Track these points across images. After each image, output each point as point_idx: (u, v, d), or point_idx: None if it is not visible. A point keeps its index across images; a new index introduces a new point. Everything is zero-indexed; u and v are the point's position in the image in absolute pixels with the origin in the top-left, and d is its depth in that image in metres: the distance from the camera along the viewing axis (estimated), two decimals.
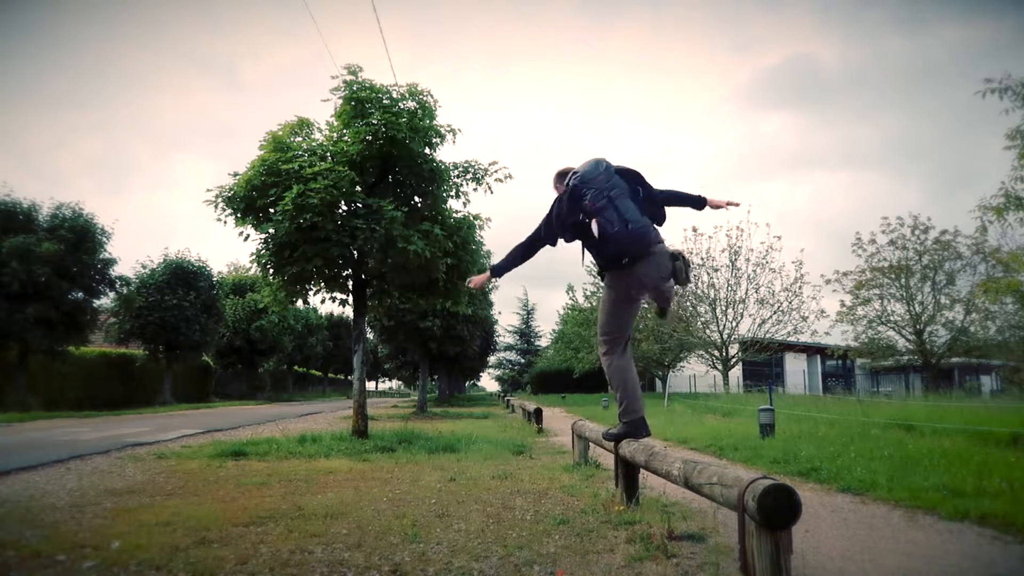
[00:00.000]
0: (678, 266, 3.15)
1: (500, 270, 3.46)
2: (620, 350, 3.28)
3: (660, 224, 3.28)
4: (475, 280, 3.57)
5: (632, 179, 3.19)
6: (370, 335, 19.60)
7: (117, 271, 18.08)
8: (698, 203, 3.34)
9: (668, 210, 3.35)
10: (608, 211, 3.01)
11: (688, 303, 22.04)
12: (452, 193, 7.95)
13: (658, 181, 3.39)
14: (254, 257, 7.49)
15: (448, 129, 7.80)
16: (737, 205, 3.40)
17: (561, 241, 3.35)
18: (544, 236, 3.35)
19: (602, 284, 3.34)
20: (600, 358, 3.39)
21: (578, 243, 3.34)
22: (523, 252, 3.41)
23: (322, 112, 15.38)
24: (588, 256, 3.31)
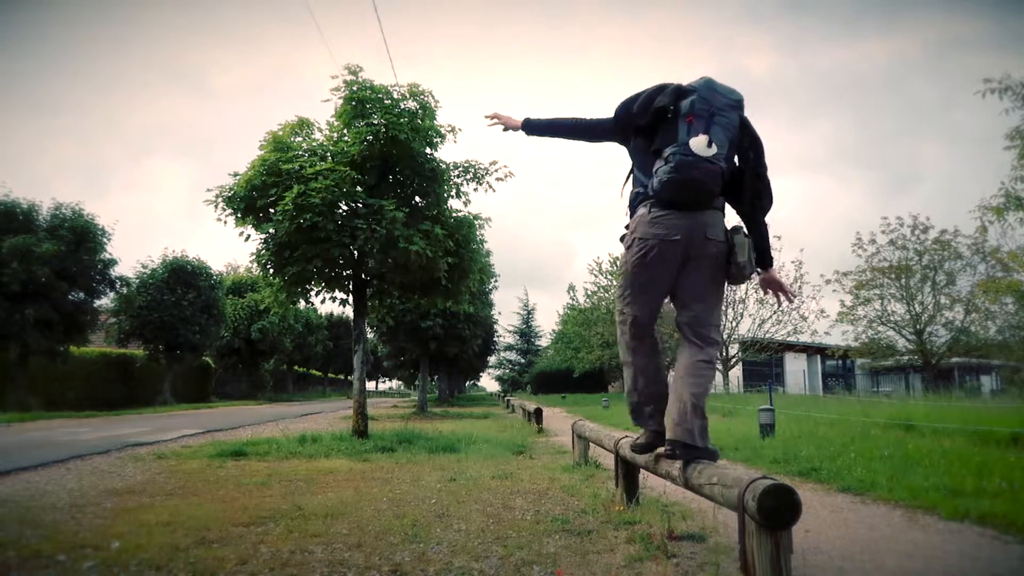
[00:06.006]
0: (739, 240, 2.44)
1: (537, 126, 2.91)
2: (640, 339, 2.60)
3: (743, 209, 2.58)
4: (500, 117, 3.01)
5: (750, 140, 2.53)
6: (370, 335, 19.60)
7: (117, 271, 18.12)
8: (762, 259, 2.57)
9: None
10: (699, 122, 2.40)
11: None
12: (453, 193, 7.96)
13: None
14: (254, 257, 7.50)
15: (449, 129, 7.81)
16: (792, 301, 2.84)
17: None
18: (609, 126, 2.74)
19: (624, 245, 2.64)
20: (619, 348, 2.73)
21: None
22: (572, 126, 2.84)
23: (285, 115, 15.39)
24: (628, 187, 2.72)
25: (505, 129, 3.01)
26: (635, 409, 2.69)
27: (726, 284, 2.59)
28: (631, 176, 2.73)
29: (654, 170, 2.44)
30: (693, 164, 2.34)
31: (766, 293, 2.72)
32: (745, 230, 2.50)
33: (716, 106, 2.45)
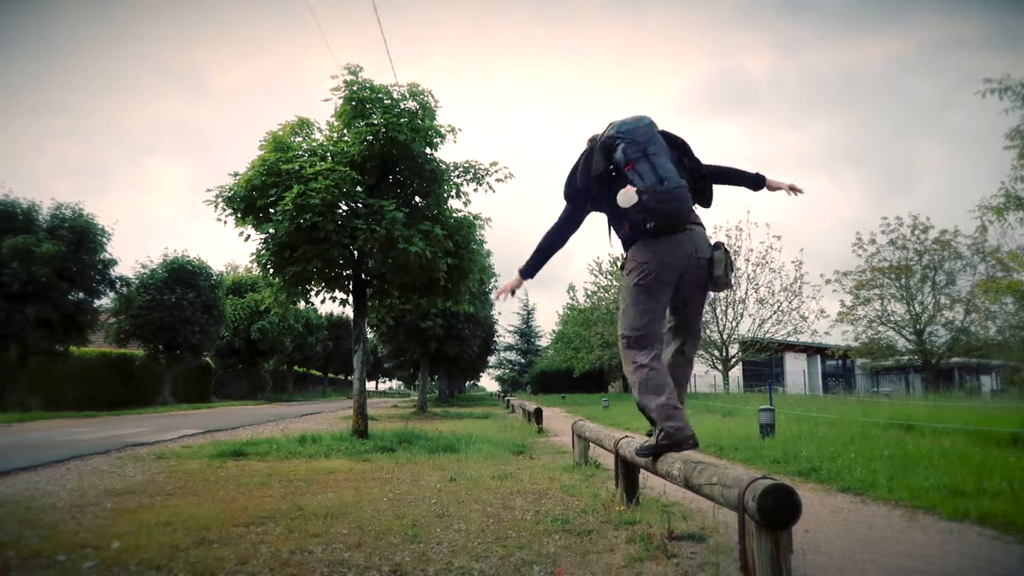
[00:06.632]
0: (718, 256, 2.70)
1: (530, 270, 2.97)
2: (649, 354, 2.65)
3: (705, 205, 2.87)
4: (504, 288, 3.04)
5: (678, 147, 2.79)
6: (370, 335, 19.59)
7: (117, 271, 18.11)
8: (756, 182, 2.93)
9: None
10: (641, 163, 2.62)
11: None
12: (453, 193, 7.95)
13: None
14: (254, 257, 7.50)
15: (449, 129, 7.80)
16: (801, 192, 2.97)
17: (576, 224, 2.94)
18: (572, 211, 2.90)
19: (622, 272, 2.84)
20: (623, 364, 2.79)
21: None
22: (552, 241, 2.94)
23: (285, 115, 15.41)
24: (616, 232, 2.88)
25: (514, 293, 3.05)
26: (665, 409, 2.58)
27: (713, 289, 2.84)
28: (611, 228, 2.90)
29: (636, 220, 2.64)
30: (664, 199, 2.58)
31: (776, 191, 2.95)
32: (724, 247, 2.76)
33: (641, 141, 2.68)
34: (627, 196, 2.59)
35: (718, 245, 2.75)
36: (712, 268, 2.70)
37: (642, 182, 2.60)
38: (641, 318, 2.68)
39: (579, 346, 30.24)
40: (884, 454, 5.12)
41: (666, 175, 2.62)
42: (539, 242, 2.98)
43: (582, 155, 2.87)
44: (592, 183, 2.77)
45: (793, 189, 2.96)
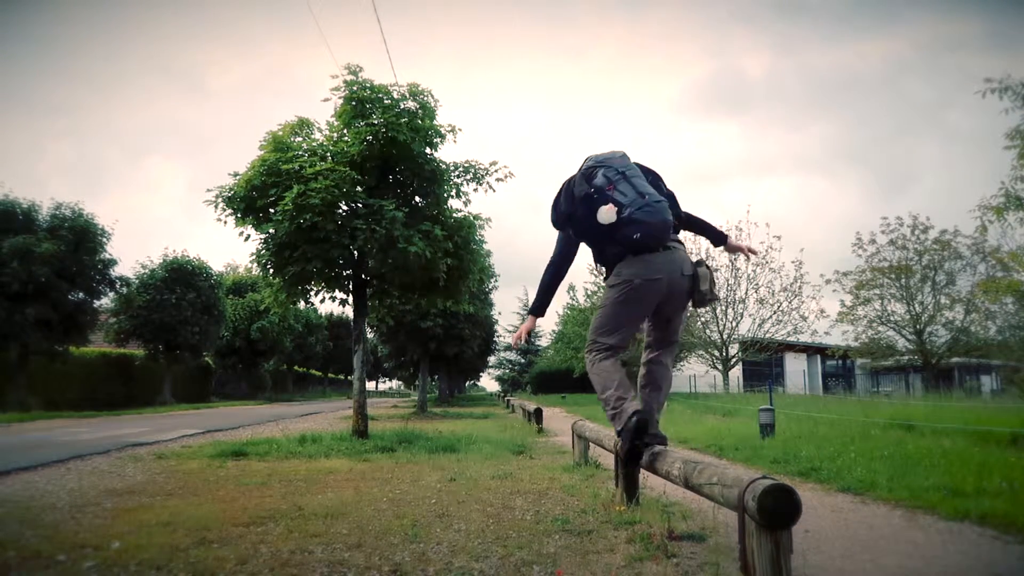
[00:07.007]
0: (702, 272, 2.85)
1: (540, 307, 3.10)
2: (608, 356, 2.88)
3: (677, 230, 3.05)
4: (520, 333, 3.20)
5: (652, 175, 2.99)
6: (370, 335, 19.59)
7: (117, 271, 18.11)
8: (718, 238, 3.19)
9: None
10: (621, 184, 2.79)
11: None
12: (452, 193, 7.95)
13: None
14: (254, 257, 7.50)
15: (449, 129, 7.80)
16: (756, 253, 3.39)
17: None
18: (564, 240, 3.04)
19: (606, 284, 2.98)
20: (587, 363, 2.98)
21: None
22: (553, 275, 3.06)
23: (284, 116, 15.42)
24: (597, 261, 3.02)
25: (530, 333, 3.23)
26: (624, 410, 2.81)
27: (696, 304, 2.99)
28: (596, 258, 3.02)
29: (624, 235, 2.75)
30: (650, 211, 2.73)
31: (735, 255, 3.45)
32: (707, 263, 2.92)
33: (620, 167, 2.87)
34: (607, 213, 2.73)
35: (700, 262, 2.91)
36: (697, 284, 2.85)
37: (625, 198, 2.75)
38: (615, 333, 2.87)
39: (579, 346, 30.16)
40: (884, 454, 5.12)
41: (646, 192, 2.80)
42: (542, 280, 3.09)
43: (563, 185, 3.03)
44: (576, 206, 2.90)
45: (751, 251, 3.31)
